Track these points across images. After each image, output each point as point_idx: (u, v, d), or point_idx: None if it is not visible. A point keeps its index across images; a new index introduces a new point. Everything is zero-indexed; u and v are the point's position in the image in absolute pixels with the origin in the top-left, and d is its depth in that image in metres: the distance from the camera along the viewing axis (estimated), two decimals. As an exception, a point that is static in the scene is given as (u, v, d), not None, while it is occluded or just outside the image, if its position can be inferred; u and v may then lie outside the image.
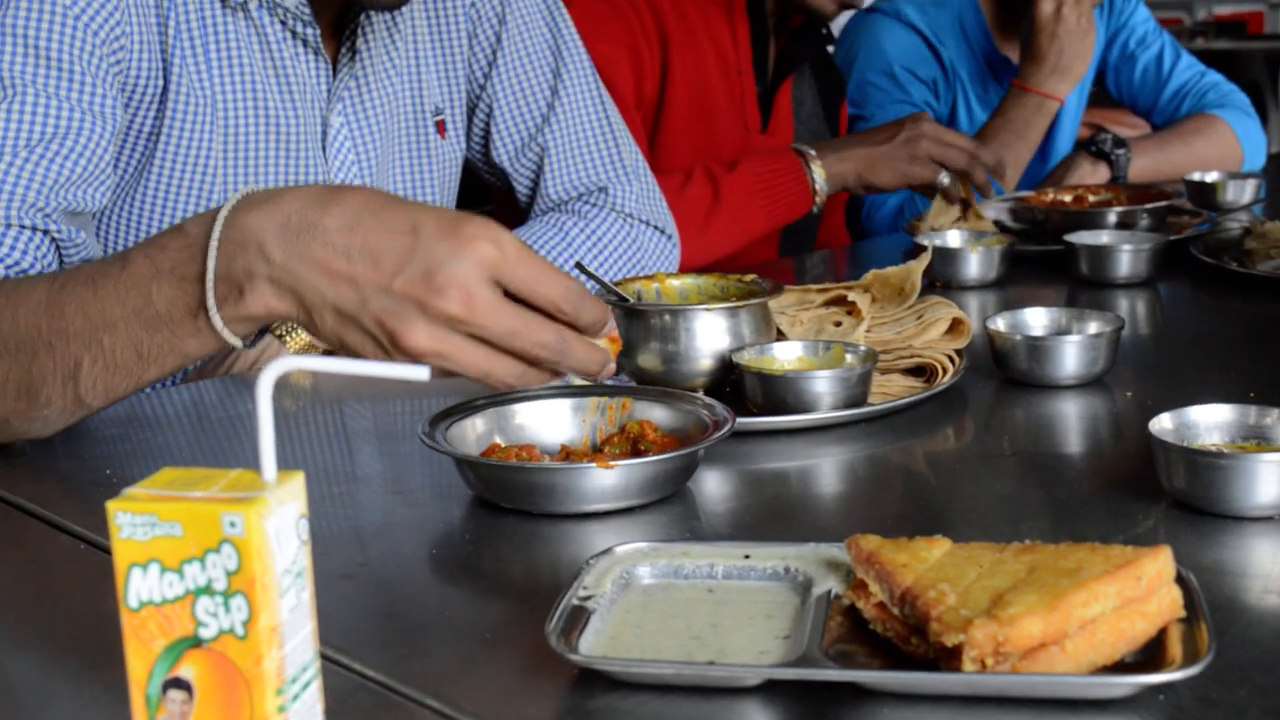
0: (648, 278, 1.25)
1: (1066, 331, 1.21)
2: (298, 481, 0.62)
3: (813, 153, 1.88)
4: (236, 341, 0.97)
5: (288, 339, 1.34)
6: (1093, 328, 1.20)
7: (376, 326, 0.88)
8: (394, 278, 0.87)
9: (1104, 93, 2.68)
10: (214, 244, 0.95)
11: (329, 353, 1.11)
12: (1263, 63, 7.20)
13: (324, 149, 1.41)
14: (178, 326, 0.98)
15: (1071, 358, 1.15)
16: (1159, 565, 0.67)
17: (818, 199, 1.87)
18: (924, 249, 1.38)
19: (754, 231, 1.85)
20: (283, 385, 1.32)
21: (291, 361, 0.61)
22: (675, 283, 1.25)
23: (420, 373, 0.62)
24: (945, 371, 1.16)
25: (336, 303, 0.90)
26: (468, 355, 0.86)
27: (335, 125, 1.42)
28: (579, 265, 1.17)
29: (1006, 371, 1.19)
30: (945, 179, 1.86)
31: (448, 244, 0.86)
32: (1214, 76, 2.48)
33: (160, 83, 1.31)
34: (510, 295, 0.87)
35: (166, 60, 1.30)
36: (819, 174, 1.86)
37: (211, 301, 0.95)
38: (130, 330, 1.00)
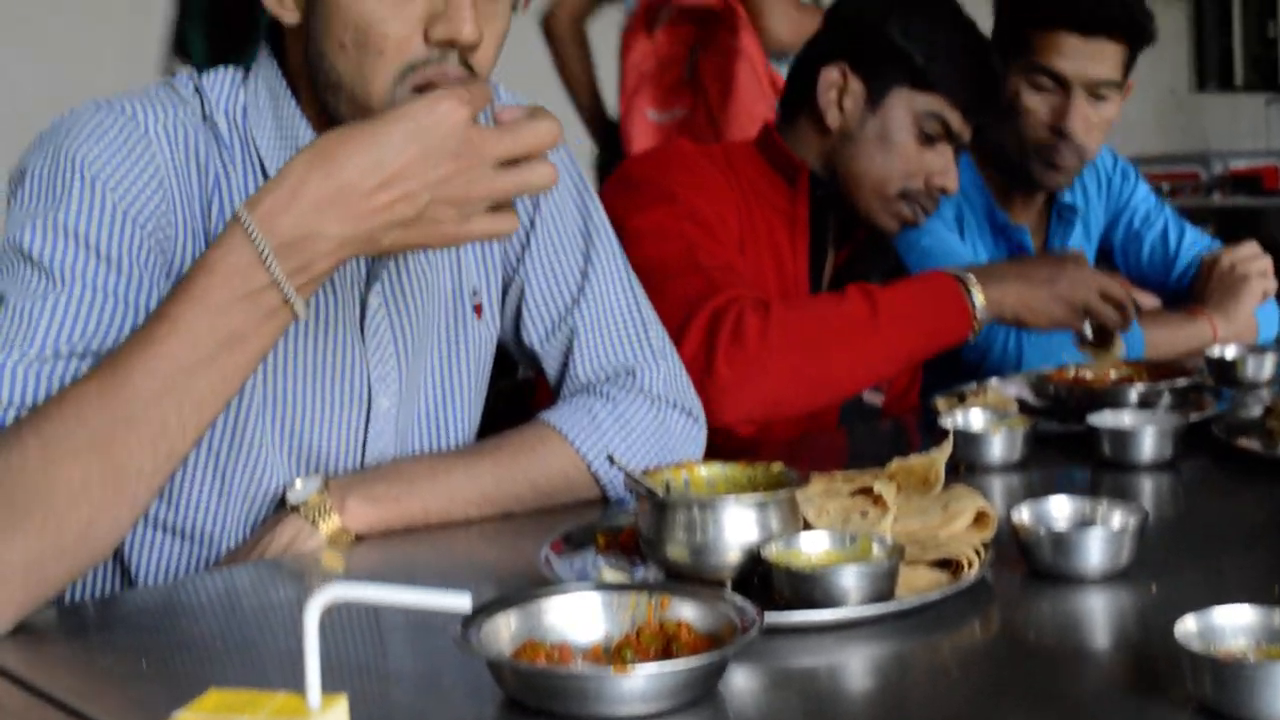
0: (676, 467, 1.27)
1: (1091, 522, 1.23)
2: (341, 707, 0.64)
3: (972, 278, 1.88)
4: (303, 310, 1.16)
5: (320, 523, 1.36)
6: (1116, 519, 1.22)
7: (446, 207, 1.14)
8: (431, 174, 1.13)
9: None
10: (269, 255, 1.12)
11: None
12: (1278, 219, 7.26)
13: (361, 329, 1.45)
14: (258, 328, 1.15)
15: (1096, 552, 1.17)
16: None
17: (976, 326, 1.88)
18: (945, 432, 1.40)
19: (913, 353, 1.86)
20: (314, 568, 1.34)
21: (338, 591, 0.63)
22: (703, 472, 1.27)
23: (462, 603, 0.64)
24: (971, 565, 1.17)
25: (399, 219, 1.13)
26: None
27: (373, 305, 1.45)
28: (610, 458, 1.19)
29: (1032, 564, 1.20)
30: (1089, 330, 1.90)
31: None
32: (1219, 247, 2.53)
33: None
34: None
35: (210, 243, 1.34)
36: (979, 299, 1.87)
37: (292, 294, 1.14)
38: (212, 365, 1.14)
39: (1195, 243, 2.57)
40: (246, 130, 1.38)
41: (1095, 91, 2.31)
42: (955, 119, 2.01)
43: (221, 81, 1.40)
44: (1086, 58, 2.29)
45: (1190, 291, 2.49)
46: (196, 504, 1.39)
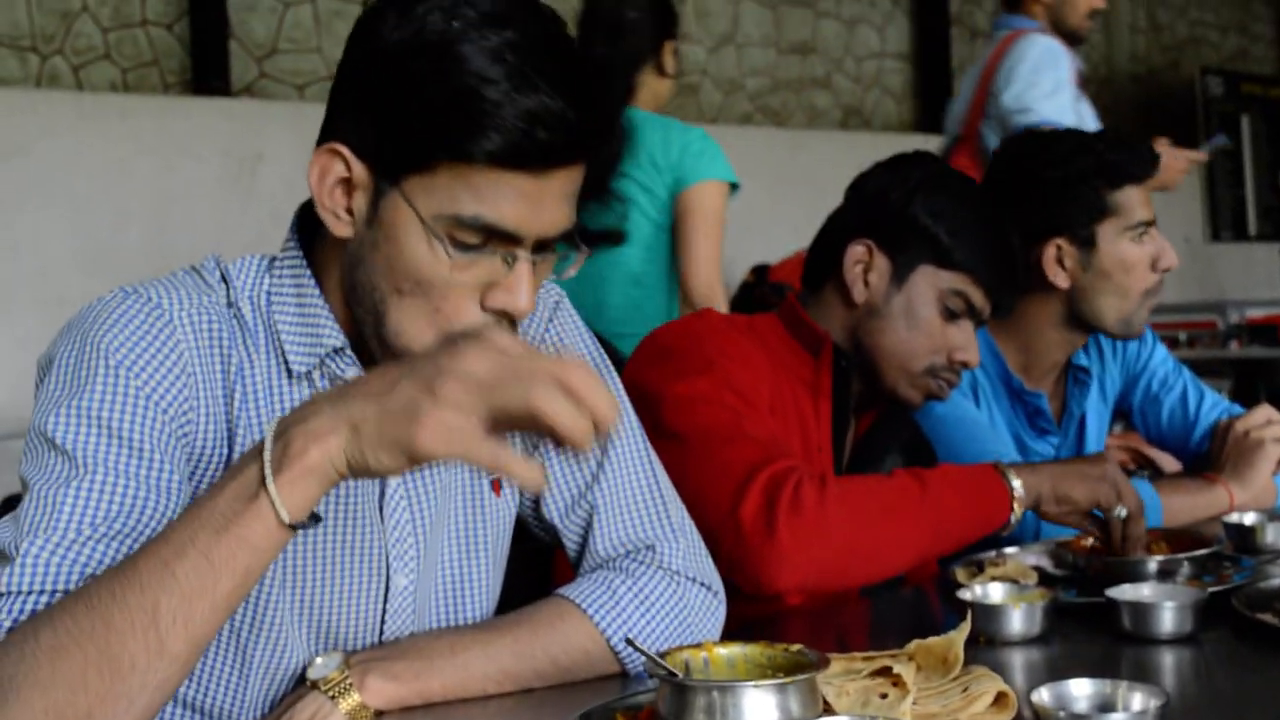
0: (695, 647, 1.27)
1: (1112, 705, 1.22)
2: None
3: (1004, 462, 1.91)
4: (284, 513, 1.14)
5: (340, 700, 1.36)
6: (1137, 702, 1.22)
7: (418, 386, 1.11)
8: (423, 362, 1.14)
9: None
10: (269, 435, 1.15)
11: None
12: (1296, 369, 7.26)
13: (380, 509, 1.46)
14: (240, 514, 1.14)
15: (1117, 737, 1.16)
16: None
17: (1015, 512, 1.89)
18: (965, 604, 1.40)
19: (960, 531, 1.88)
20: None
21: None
22: (723, 652, 1.27)
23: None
24: (992, 749, 1.17)
25: (380, 395, 1.13)
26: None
27: (392, 485, 1.47)
28: (629, 641, 1.20)
29: (1053, 747, 1.20)
30: (1123, 512, 1.91)
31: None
32: (1237, 412, 2.54)
33: (225, 450, 1.37)
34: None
35: (231, 429, 1.37)
36: (1017, 484, 1.89)
37: (269, 469, 1.14)
38: (199, 545, 1.14)
39: (1214, 406, 2.59)
40: (271, 317, 1.41)
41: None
42: (978, 296, 2.05)
43: (248, 268, 1.43)
44: (1147, 198, 2.41)
45: (1206, 458, 2.50)
46: (218, 681, 1.40)
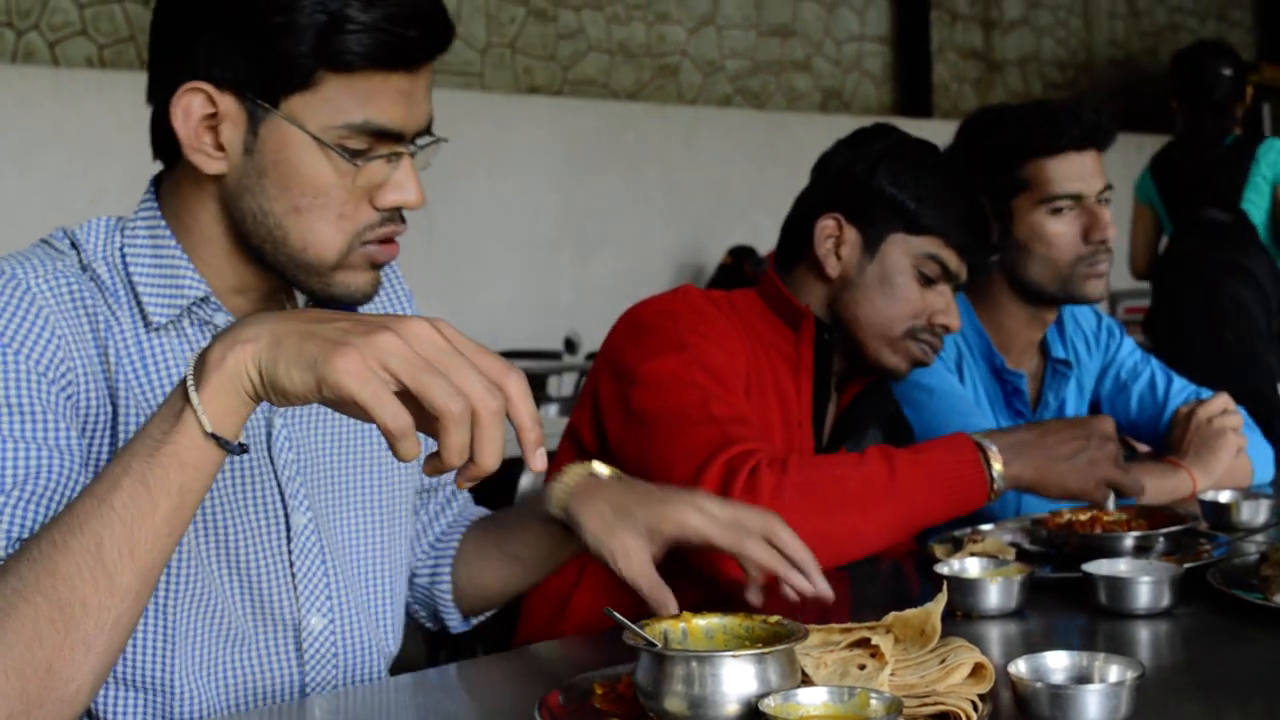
0: (674, 618, 1.27)
1: (1088, 677, 1.23)
2: None
3: (994, 449, 1.88)
4: (206, 421, 1.12)
5: None
6: (1114, 673, 1.22)
7: (357, 327, 1.11)
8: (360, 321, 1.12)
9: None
10: (194, 359, 1.15)
11: None
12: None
13: (269, 449, 1.47)
14: (169, 433, 1.14)
15: (1094, 707, 1.17)
16: None
17: (993, 496, 1.89)
18: (943, 578, 1.41)
19: (928, 519, 1.87)
20: None
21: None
22: (701, 623, 1.28)
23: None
24: (969, 718, 1.17)
25: (315, 321, 1.13)
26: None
27: (277, 426, 1.48)
28: (608, 610, 1.20)
29: (1029, 717, 1.20)
30: (1111, 504, 1.91)
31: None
32: (1206, 394, 2.56)
33: (110, 409, 1.37)
34: None
35: (112, 387, 1.37)
36: (998, 471, 1.88)
37: (191, 380, 1.13)
38: (134, 473, 1.13)
39: (1182, 390, 2.61)
40: (128, 273, 1.41)
41: (1100, 197, 2.43)
42: (952, 258, 2.07)
43: (96, 230, 1.43)
44: (1088, 171, 2.41)
45: (1167, 443, 2.52)
46: (145, 651, 1.38)
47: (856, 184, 2.09)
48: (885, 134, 2.15)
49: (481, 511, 1.78)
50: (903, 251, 2.06)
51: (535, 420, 1.14)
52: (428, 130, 1.42)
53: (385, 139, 1.36)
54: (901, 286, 2.06)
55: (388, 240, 1.41)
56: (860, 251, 2.08)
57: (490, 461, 1.11)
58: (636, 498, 1.47)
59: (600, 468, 1.52)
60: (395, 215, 1.41)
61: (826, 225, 2.09)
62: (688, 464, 1.78)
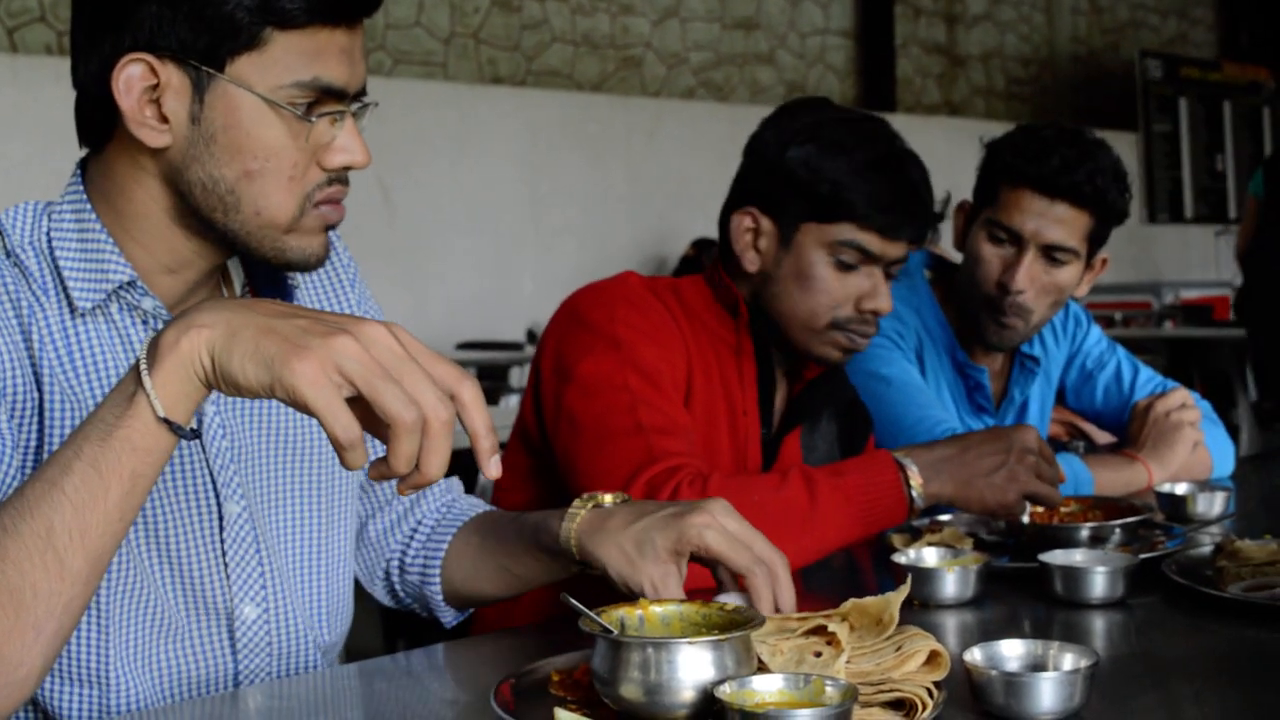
0: (630, 604, 1.27)
1: (1043, 665, 1.23)
2: None
3: (914, 469, 1.84)
4: (158, 405, 1.12)
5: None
6: (1068, 662, 1.23)
7: (317, 327, 1.10)
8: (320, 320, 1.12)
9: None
10: (147, 342, 1.14)
11: None
12: (1230, 350, 7.37)
13: (200, 437, 1.44)
14: (121, 416, 1.13)
15: (1048, 695, 1.17)
16: None
17: (912, 517, 1.86)
18: (901, 568, 1.41)
19: (846, 541, 1.84)
20: None
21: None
22: (658, 610, 1.27)
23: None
24: (925, 706, 1.18)
25: (275, 316, 1.12)
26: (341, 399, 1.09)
27: (209, 414, 1.46)
28: (564, 596, 1.19)
29: (984, 705, 1.21)
30: (1027, 518, 1.88)
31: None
32: (1172, 386, 2.57)
33: (36, 395, 1.35)
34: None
35: (37, 371, 1.35)
36: (918, 491, 1.84)
37: (144, 363, 1.12)
38: (85, 456, 1.12)
39: (1149, 380, 2.62)
40: (54, 258, 1.39)
41: (1051, 254, 2.35)
42: (872, 241, 1.98)
43: (21, 215, 1.41)
44: (1045, 218, 2.33)
45: (1125, 436, 2.53)
46: (81, 642, 1.36)
47: (769, 172, 2.02)
48: (798, 113, 2.06)
49: (475, 503, 1.75)
50: (816, 240, 1.99)
51: (489, 428, 1.14)
52: (363, 92, 1.41)
53: (329, 97, 1.36)
54: (819, 278, 1.99)
55: (335, 201, 1.41)
56: (776, 244, 2.02)
57: (435, 472, 1.12)
58: (652, 521, 1.43)
59: (606, 498, 1.51)
60: (342, 175, 1.40)
61: (743, 220, 2.05)
62: (613, 477, 1.78)
